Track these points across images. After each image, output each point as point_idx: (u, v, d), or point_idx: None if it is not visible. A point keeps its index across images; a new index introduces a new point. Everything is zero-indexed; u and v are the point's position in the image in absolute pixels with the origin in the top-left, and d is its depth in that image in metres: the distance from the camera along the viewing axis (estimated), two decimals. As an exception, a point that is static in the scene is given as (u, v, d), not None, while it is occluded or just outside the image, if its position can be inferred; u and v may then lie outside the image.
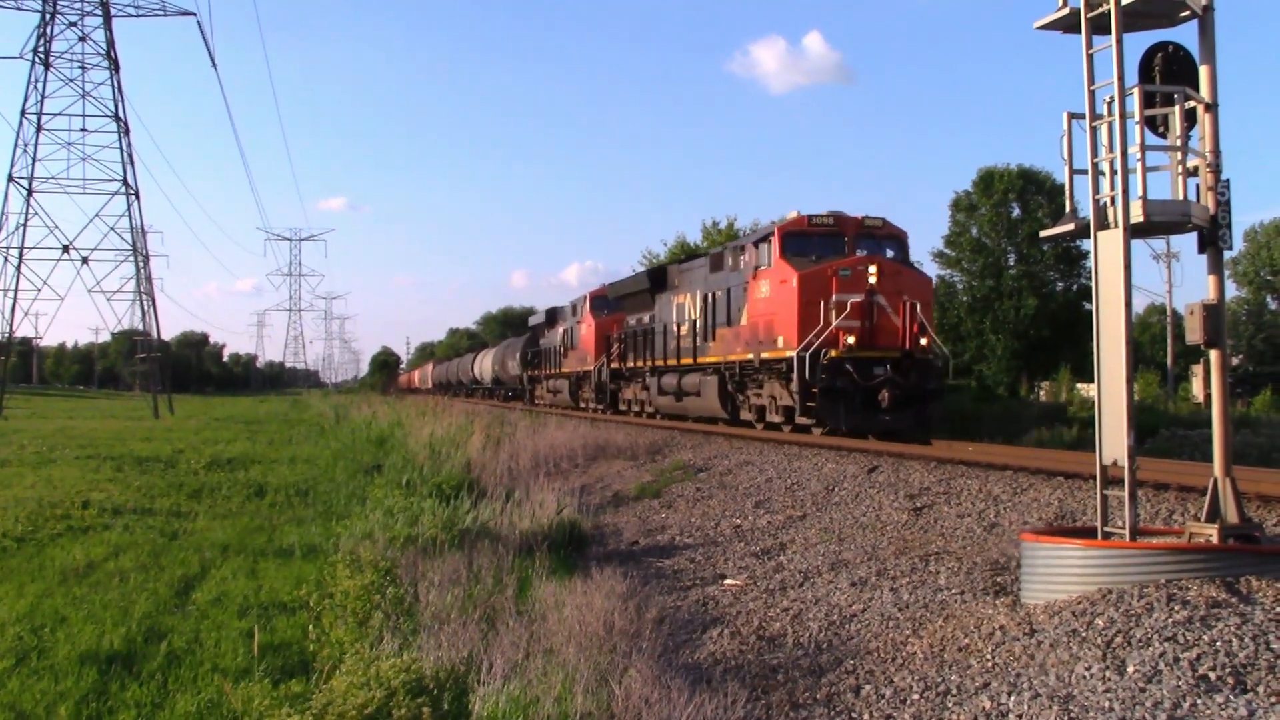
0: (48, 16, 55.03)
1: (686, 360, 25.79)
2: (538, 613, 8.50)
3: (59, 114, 55.91)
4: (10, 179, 54.56)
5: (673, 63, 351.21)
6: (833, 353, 18.70)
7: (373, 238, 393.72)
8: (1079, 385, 37.25)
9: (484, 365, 64.04)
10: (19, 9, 55.78)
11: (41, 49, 54.77)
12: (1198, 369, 10.48)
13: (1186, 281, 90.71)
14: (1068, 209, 7.98)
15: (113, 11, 56.80)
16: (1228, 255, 7.78)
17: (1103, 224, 7.40)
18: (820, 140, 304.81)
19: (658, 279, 29.11)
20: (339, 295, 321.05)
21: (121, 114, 56.61)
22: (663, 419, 28.40)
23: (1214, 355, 7.48)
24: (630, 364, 31.19)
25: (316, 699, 6.10)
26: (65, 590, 10.04)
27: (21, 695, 7.06)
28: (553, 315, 44.84)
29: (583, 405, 37.85)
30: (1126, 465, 7.14)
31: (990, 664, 6.54)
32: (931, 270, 49.39)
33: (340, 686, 6.18)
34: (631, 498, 16.03)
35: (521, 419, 29.74)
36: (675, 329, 27.08)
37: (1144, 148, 7.27)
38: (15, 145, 55.25)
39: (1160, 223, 7.49)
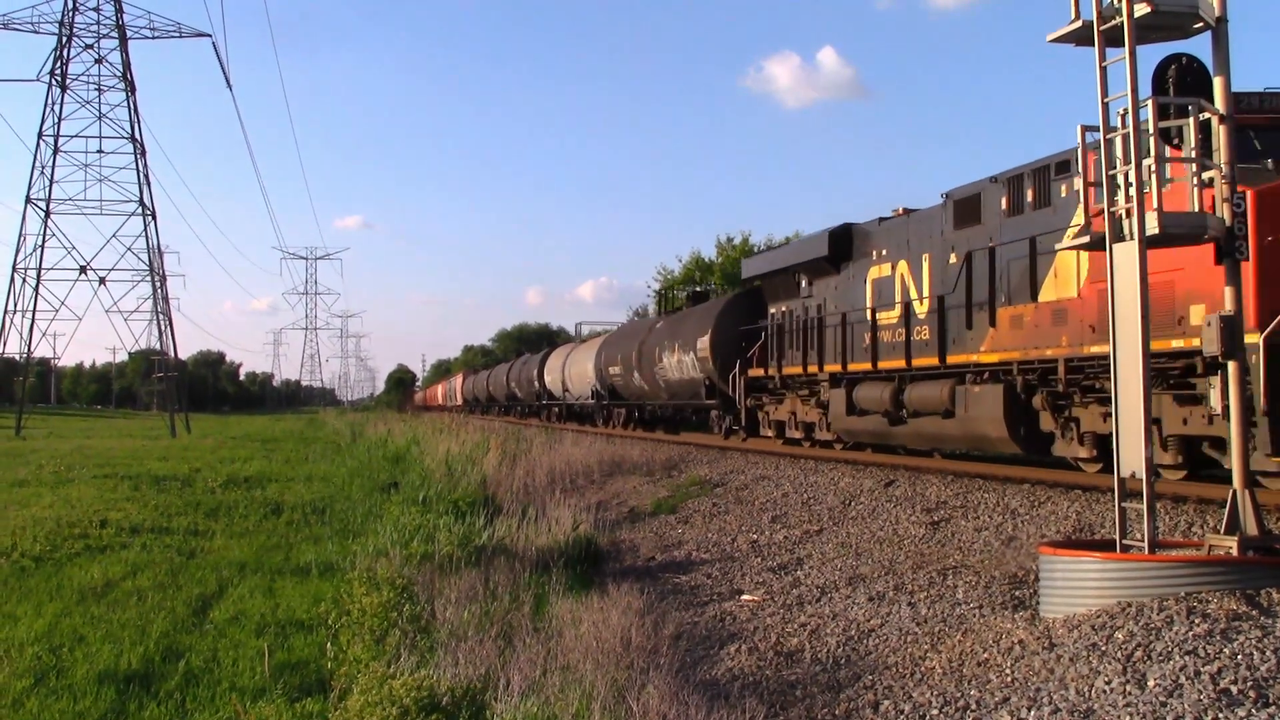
0: (64, 39, 55.68)
1: None
2: (554, 629, 8.49)
3: (76, 136, 56.59)
4: (28, 201, 55.12)
5: (686, 79, 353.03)
6: None
7: (388, 256, 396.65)
8: None
9: (574, 369, 39.54)
10: (36, 32, 56.47)
11: (58, 71, 55.41)
12: (1215, 380, 10.36)
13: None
14: (1082, 222, 7.97)
15: (129, 34, 57.48)
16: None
17: (1118, 236, 7.39)
18: (835, 155, 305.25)
19: None
20: (354, 313, 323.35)
21: (138, 135, 57.16)
22: None
23: (1232, 367, 7.44)
24: None
25: (333, 718, 6.12)
26: (83, 609, 10.08)
27: (40, 715, 7.10)
28: (845, 241, 18.47)
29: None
30: (1144, 478, 7.10)
31: (1009, 678, 6.50)
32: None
33: (355, 706, 6.19)
34: (648, 513, 16.00)
35: (537, 435, 29.73)
36: None
37: (1159, 160, 7.26)
38: (33, 167, 55.58)
39: (1176, 234, 7.47)
